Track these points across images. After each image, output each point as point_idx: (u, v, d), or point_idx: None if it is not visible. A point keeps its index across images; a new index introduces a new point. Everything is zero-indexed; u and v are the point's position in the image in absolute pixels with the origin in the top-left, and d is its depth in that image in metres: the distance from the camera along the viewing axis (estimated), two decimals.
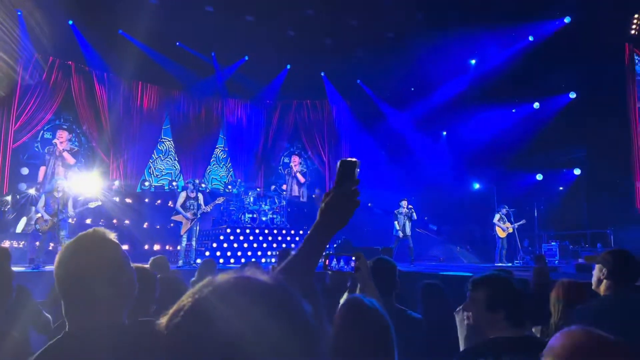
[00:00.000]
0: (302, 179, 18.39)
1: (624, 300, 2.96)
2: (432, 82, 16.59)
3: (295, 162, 18.42)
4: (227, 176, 17.85)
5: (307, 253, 1.40)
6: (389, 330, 1.75)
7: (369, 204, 18.55)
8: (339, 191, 1.45)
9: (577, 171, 15.43)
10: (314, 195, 18.27)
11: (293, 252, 1.41)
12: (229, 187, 15.09)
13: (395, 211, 12.53)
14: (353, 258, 2.37)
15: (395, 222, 12.59)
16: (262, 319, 0.81)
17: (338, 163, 1.47)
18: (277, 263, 2.48)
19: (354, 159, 1.44)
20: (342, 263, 2.33)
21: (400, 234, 12.40)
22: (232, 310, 0.81)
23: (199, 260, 11.09)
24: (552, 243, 14.06)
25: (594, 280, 3.18)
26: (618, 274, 3.03)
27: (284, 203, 14.88)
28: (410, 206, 12.31)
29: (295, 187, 18.07)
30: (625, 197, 13.44)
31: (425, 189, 17.98)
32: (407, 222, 12.22)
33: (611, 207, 13.45)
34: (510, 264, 13.09)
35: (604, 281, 3.09)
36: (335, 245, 13.35)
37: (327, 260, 2.34)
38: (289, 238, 14.01)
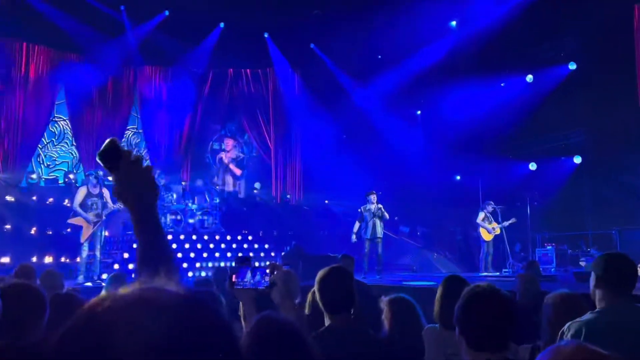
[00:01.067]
0: (237, 171, 18.23)
1: (616, 313, 3.04)
2: (404, 49, 16.77)
3: (229, 147, 18.21)
4: None
5: (145, 243, 1.56)
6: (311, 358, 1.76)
7: (326, 201, 18.65)
8: (119, 172, 1.60)
9: (577, 159, 16.01)
10: (254, 191, 18.18)
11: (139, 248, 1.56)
12: None
13: (361, 208, 12.56)
14: (268, 271, 2.38)
15: (357, 223, 12.65)
16: (172, 338, 0.83)
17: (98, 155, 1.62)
18: (229, 278, 2.48)
19: (108, 141, 1.58)
20: (258, 277, 2.36)
21: (368, 236, 12.44)
22: (134, 329, 0.83)
23: (105, 276, 10.76)
24: (548, 247, 14.55)
25: (591, 290, 3.26)
26: (609, 281, 3.10)
27: (217, 201, 14.75)
28: (379, 205, 12.34)
29: (230, 180, 17.89)
30: (635, 190, 13.94)
31: (395, 183, 18.19)
32: (377, 222, 12.27)
33: (618, 203, 14.00)
34: (497, 273, 13.42)
35: (595, 291, 3.18)
36: (283, 253, 13.34)
37: (235, 275, 2.36)
38: (223, 245, 13.89)
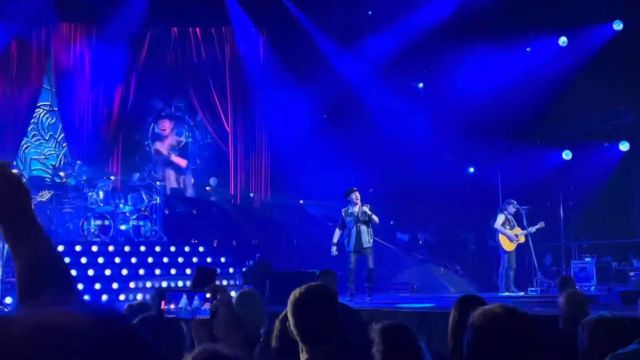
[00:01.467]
0: (181, 162, 18.07)
1: None
2: (401, 2, 16.78)
3: (166, 132, 17.99)
4: (58, 156, 17.31)
5: (26, 264, 1.63)
6: None
7: (301, 201, 18.67)
8: None
9: (624, 146, 16.24)
10: (208, 188, 18.12)
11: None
12: (61, 174, 14.61)
13: (343, 211, 12.55)
14: (208, 295, 2.37)
15: (337, 231, 12.68)
16: None
17: None
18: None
19: None
20: (197, 303, 2.35)
21: (350, 248, 12.43)
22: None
23: (9, 300, 10.80)
24: (587, 259, 14.75)
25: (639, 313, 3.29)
26: None
27: (158, 201, 14.69)
28: (365, 206, 12.30)
29: (172, 175, 17.76)
30: None
31: (391, 177, 18.20)
32: (363, 228, 12.23)
33: None
34: (522, 293, 13.58)
35: None
36: (244, 270, 13.34)
37: (165, 301, 2.35)
38: (166, 259, 13.85)
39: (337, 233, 12.74)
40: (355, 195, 12.55)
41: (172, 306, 2.34)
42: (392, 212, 17.37)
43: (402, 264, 17.30)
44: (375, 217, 12.52)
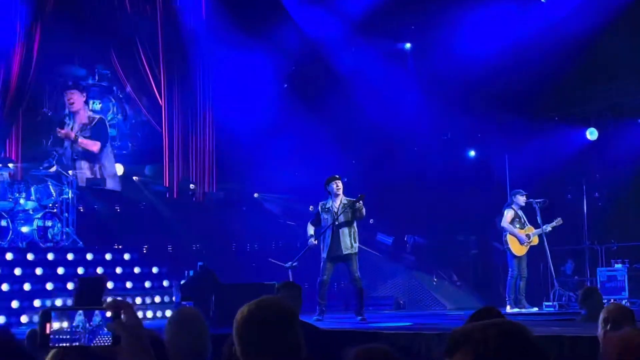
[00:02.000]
0: (91, 146, 17.70)
1: None
2: None
3: (74, 106, 17.59)
4: None
5: None
6: None
7: (256, 195, 18.62)
8: None
9: None
10: (135, 179, 17.96)
11: None
12: None
13: (320, 205, 12.42)
14: (109, 314, 2.34)
15: (310, 226, 12.71)
16: None
17: None
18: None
19: None
20: (98, 320, 2.33)
21: (324, 255, 12.28)
22: None
23: None
24: (617, 265, 14.91)
25: None
26: None
27: (71, 195, 14.51)
28: (348, 200, 12.16)
29: (84, 164, 17.42)
30: None
31: (370, 164, 18.13)
32: (343, 230, 12.10)
33: None
34: (535, 309, 13.72)
35: None
36: (182, 282, 13.30)
37: (49, 325, 2.31)
38: (81, 270, 13.68)
39: (310, 227, 12.73)
40: (337, 185, 12.43)
41: (64, 328, 2.29)
42: (373, 208, 17.32)
43: (385, 274, 17.39)
44: (362, 210, 12.42)
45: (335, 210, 12.35)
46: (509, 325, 2.31)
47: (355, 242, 12.39)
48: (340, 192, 12.40)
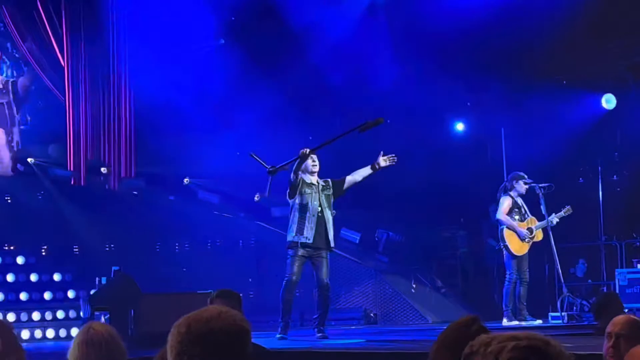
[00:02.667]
0: None
1: None
2: None
3: None
4: None
5: None
6: None
7: (186, 180, 18.39)
8: None
9: None
10: (30, 161, 17.78)
11: None
12: None
13: (299, 179, 12.29)
14: None
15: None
16: None
17: None
18: None
19: None
20: None
21: (309, 239, 12.15)
22: None
23: None
24: None
25: None
26: None
27: None
28: (324, 182, 12.16)
29: None
30: None
31: (332, 140, 18.01)
32: (328, 214, 12.05)
33: None
34: (539, 322, 13.88)
35: None
36: (93, 292, 13.19)
37: None
38: None
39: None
40: (313, 160, 12.45)
41: None
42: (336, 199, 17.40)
43: (351, 280, 17.44)
44: (329, 192, 12.50)
45: (319, 188, 12.43)
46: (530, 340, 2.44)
47: (328, 231, 12.41)
48: (317, 169, 12.46)
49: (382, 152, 12.63)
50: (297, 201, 12.31)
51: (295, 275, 12.23)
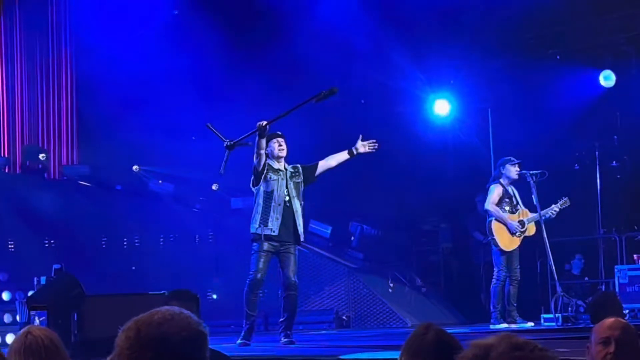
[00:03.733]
0: None
1: None
2: None
3: None
4: None
5: None
6: None
7: (136, 168, 18.27)
8: None
9: None
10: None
11: None
12: None
13: (264, 164, 12.27)
14: None
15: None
16: None
17: None
18: None
19: None
20: None
21: (274, 231, 12.16)
22: None
23: None
24: None
25: None
26: None
27: None
28: (293, 168, 12.20)
29: None
30: None
31: (300, 120, 18.00)
32: (296, 204, 12.05)
33: None
34: (530, 324, 13.94)
35: None
36: (31, 293, 13.14)
37: None
38: None
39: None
40: (279, 144, 12.41)
41: None
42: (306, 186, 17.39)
43: (321, 278, 17.48)
44: (299, 180, 12.47)
45: (286, 174, 12.38)
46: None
47: (296, 223, 12.38)
48: (284, 154, 12.40)
49: (361, 136, 12.57)
50: (261, 188, 12.19)
51: (260, 273, 12.09)
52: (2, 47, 18.07)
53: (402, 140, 17.56)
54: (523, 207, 14.11)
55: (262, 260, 12.08)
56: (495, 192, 14.04)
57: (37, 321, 11.33)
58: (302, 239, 12.45)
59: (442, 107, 18.91)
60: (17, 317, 14.01)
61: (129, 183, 18.62)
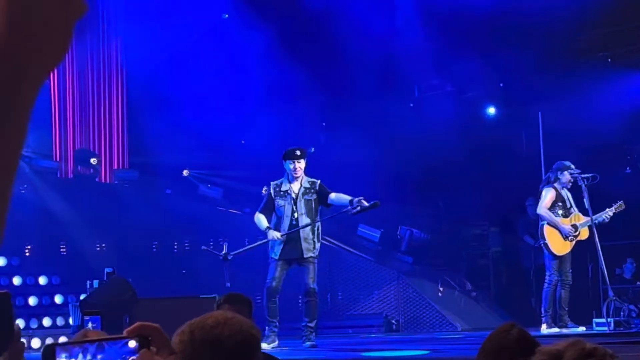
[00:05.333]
0: None
1: None
2: None
3: None
4: None
5: None
6: None
7: (186, 172, 18.32)
8: None
9: None
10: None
11: None
12: None
13: (272, 185, 12.37)
14: (132, 345, 2.35)
15: (260, 216, 12.77)
16: None
17: None
18: None
19: None
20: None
21: (276, 256, 12.31)
22: None
23: None
24: None
25: None
26: None
27: None
28: (313, 181, 12.19)
29: None
30: None
31: (348, 125, 17.83)
32: (303, 221, 12.15)
33: None
34: (582, 329, 13.85)
35: None
36: (83, 297, 13.16)
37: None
38: None
39: (261, 217, 12.76)
40: (294, 166, 12.58)
41: None
42: (354, 191, 17.33)
43: (370, 283, 17.45)
44: (332, 194, 12.62)
45: (294, 195, 12.55)
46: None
47: (318, 241, 12.67)
48: (300, 173, 12.61)
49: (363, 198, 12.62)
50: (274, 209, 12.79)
51: (276, 281, 12.50)
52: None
53: (452, 144, 17.48)
54: (577, 211, 14.02)
55: (278, 269, 12.51)
56: (548, 196, 13.96)
57: (90, 324, 11.39)
58: (316, 253, 12.63)
59: (492, 111, 18.89)
60: (70, 320, 14.07)
61: (179, 187, 18.65)
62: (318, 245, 12.65)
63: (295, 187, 12.63)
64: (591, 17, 16.70)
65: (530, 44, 17.02)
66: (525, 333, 4.14)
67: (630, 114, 17.16)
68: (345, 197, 12.71)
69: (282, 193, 12.63)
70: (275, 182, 12.79)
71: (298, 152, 12.63)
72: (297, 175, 12.60)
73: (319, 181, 12.68)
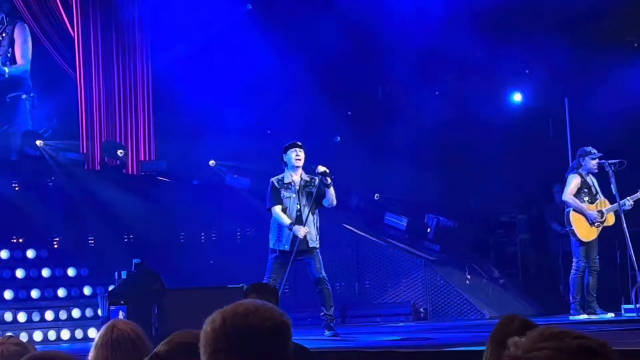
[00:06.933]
0: None
1: None
2: None
3: None
4: None
5: None
6: None
7: (212, 163, 18.25)
8: None
9: None
10: (40, 144, 17.82)
11: None
12: None
13: (273, 180, 12.45)
14: None
15: (278, 210, 12.81)
16: None
17: None
18: None
19: None
20: None
21: (287, 247, 12.40)
22: None
23: None
24: None
25: None
26: None
27: None
28: (321, 169, 12.31)
29: None
30: None
31: (373, 114, 17.83)
32: (305, 210, 12.23)
33: None
34: (611, 315, 13.83)
35: None
36: (112, 288, 13.21)
37: None
38: None
39: (282, 213, 12.82)
40: (297, 154, 12.75)
41: None
42: (378, 179, 17.38)
43: (398, 271, 17.41)
44: (332, 192, 12.68)
45: (297, 187, 12.76)
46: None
47: (318, 232, 12.84)
48: (301, 162, 12.78)
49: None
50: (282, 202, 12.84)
51: (273, 279, 12.49)
52: (79, 45, 18.20)
53: (479, 132, 17.46)
54: (602, 197, 13.99)
55: (276, 267, 12.64)
56: (573, 182, 13.95)
57: (120, 315, 11.44)
58: (310, 245, 12.67)
59: (519, 98, 18.85)
60: (99, 312, 14.13)
61: (206, 178, 18.69)
62: (318, 236, 12.80)
63: (297, 178, 12.80)
64: (618, 2, 16.67)
65: (557, 30, 16.97)
66: (528, 324, 4.14)
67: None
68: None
69: (286, 185, 12.78)
70: (276, 177, 12.94)
71: (299, 143, 12.87)
72: (299, 163, 12.77)
73: (317, 179, 12.74)
